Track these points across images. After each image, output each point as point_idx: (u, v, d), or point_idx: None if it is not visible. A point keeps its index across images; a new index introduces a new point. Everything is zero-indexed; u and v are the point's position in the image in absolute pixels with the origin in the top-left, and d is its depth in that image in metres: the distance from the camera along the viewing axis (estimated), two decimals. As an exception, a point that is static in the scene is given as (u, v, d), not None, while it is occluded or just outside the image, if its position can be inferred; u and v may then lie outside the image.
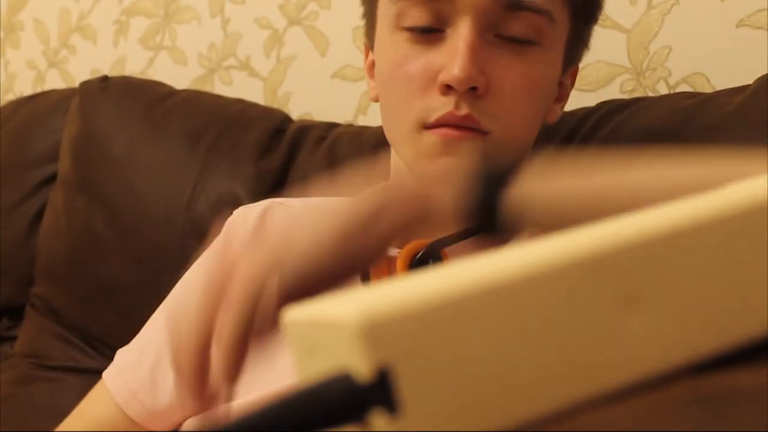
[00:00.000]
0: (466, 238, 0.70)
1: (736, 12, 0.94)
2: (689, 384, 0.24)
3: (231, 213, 0.85)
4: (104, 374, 0.82)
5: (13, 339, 1.23)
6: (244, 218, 0.81)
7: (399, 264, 0.68)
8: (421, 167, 0.68)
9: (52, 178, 1.25)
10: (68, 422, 0.82)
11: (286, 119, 1.16)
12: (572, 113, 0.91)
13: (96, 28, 1.53)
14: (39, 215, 1.24)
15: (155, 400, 0.77)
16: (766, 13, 0.93)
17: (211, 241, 0.83)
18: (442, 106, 0.66)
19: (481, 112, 0.65)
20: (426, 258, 0.67)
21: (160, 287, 0.89)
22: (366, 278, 0.70)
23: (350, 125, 1.14)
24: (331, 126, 1.13)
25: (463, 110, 0.65)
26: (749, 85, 0.83)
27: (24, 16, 1.65)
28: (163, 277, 1.06)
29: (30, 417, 1.08)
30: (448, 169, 0.52)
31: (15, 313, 1.25)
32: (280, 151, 1.09)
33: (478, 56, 0.65)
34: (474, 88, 0.65)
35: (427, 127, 0.68)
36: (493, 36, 0.67)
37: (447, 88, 0.66)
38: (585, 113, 0.91)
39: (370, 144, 1.04)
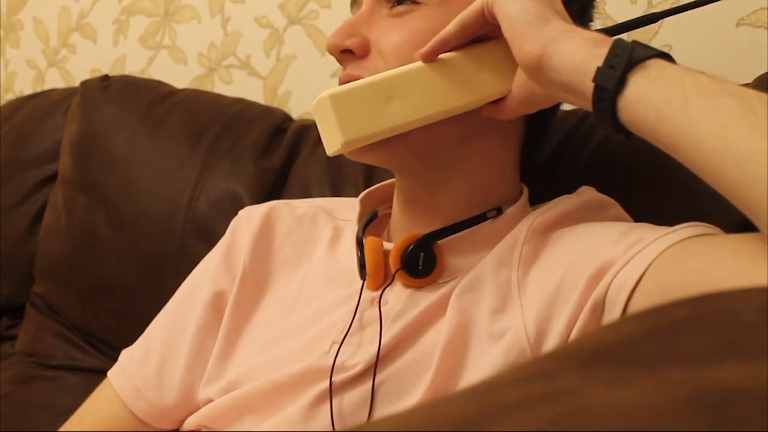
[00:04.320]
0: (459, 231, 0.71)
1: (736, 11, 0.95)
2: (690, 384, 0.24)
3: (233, 213, 0.86)
4: (109, 373, 0.82)
5: (13, 338, 1.23)
6: (249, 218, 0.83)
7: (392, 257, 0.69)
8: None
9: (52, 178, 1.25)
10: (70, 424, 0.82)
11: (287, 118, 1.16)
12: (571, 113, 0.91)
13: (96, 28, 1.53)
14: (39, 214, 1.24)
15: (161, 397, 0.78)
16: (766, 12, 0.93)
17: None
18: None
19: (362, 69, 0.70)
20: (416, 251, 0.68)
21: (160, 287, 0.89)
22: (362, 265, 0.71)
23: (350, 124, 1.14)
24: (332, 125, 1.13)
25: (345, 71, 0.71)
26: (749, 84, 0.83)
27: (24, 16, 1.65)
28: (163, 277, 1.06)
29: (30, 416, 1.08)
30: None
31: (15, 312, 1.26)
32: (281, 151, 1.09)
33: (359, 24, 0.71)
34: (348, 51, 0.70)
35: None
36: (390, 8, 0.71)
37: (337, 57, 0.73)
38: (584, 113, 0.91)
39: (370, 143, 1.04)
